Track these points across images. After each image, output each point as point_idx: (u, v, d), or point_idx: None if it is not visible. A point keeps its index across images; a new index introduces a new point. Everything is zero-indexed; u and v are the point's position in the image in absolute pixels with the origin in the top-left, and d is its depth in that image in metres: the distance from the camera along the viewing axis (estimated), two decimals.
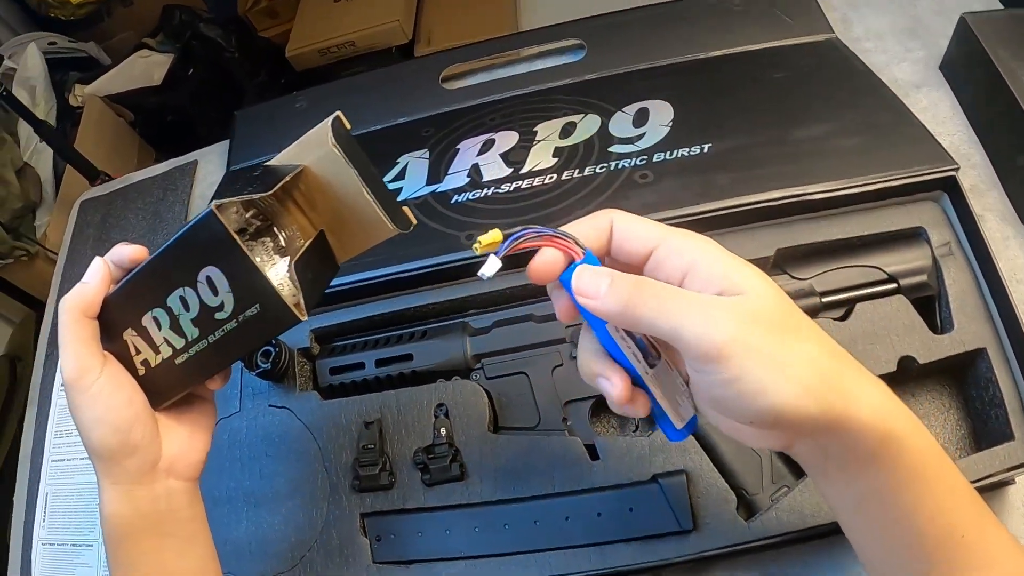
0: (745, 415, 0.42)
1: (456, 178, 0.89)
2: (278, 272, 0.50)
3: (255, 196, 0.48)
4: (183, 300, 0.51)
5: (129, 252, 0.55)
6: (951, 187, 0.76)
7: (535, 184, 0.85)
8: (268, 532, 0.77)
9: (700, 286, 0.42)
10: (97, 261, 0.55)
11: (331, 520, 0.75)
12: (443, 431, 0.74)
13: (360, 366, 0.79)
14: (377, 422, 0.76)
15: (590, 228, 0.47)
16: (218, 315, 0.50)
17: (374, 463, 0.74)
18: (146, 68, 2.40)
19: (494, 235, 0.47)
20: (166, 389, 0.55)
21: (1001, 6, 0.98)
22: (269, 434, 0.80)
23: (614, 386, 0.45)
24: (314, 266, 0.53)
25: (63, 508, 0.93)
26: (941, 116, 0.90)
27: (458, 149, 0.93)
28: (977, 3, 0.97)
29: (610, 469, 0.70)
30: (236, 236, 0.47)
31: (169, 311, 0.52)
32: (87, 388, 0.52)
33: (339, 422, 0.78)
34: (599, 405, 0.76)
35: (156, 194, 1.14)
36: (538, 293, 0.79)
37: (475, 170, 0.89)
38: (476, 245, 0.47)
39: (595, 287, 0.43)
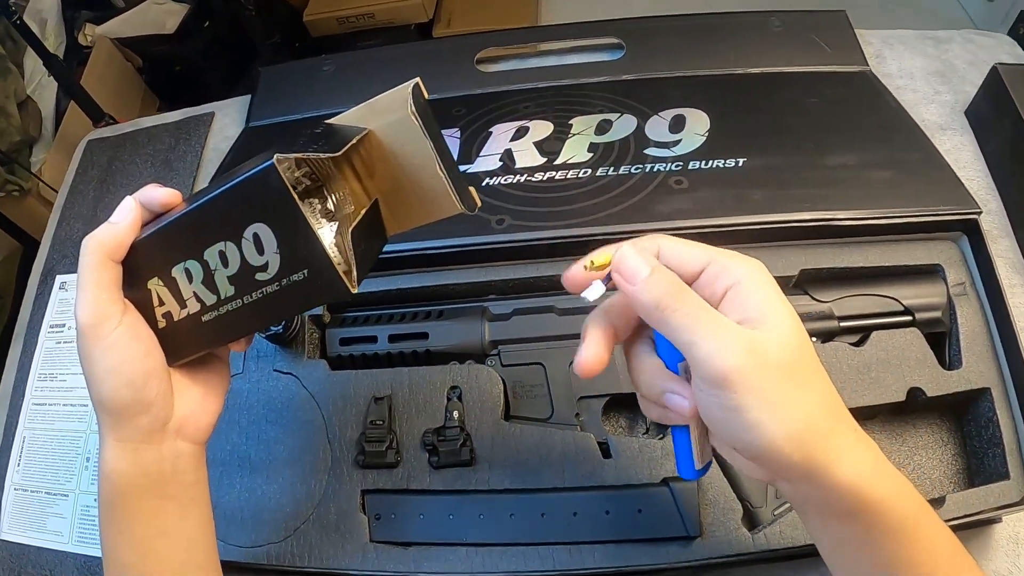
0: (734, 442, 0.43)
1: (488, 161, 0.89)
2: (325, 238, 0.47)
3: (321, 155, 0.46)
4: (222, 255, 0.48)
5: (161, 196, 0.51)
6: (971, 230, 0.78)
7: (569, 176, 0.85)
8: (263, 500, 0.75)
9: (734, 308, 0.43)
10: (128, 201, 0.51)
11: (330, 494, 0.74)
12: (456, 414, 0.73)
13: (372, 339, 0.78)
14: (387, 398, 0.75)
15: (640, 250, 0.46)
16: (259, 275, 0.47)
17: (381, 440, 0.73)
18: (159, 16, 2.35)
19: (605, 257, 0.46)
20: (186, 346, 0.53)
21: None
22: (272, 399, 0.79)
23: (687, 399, 0.45)
24: (365, 236, 0.50)
25: (40, 454, 0.90)
26: (963, 160, 0.91)
27: (491, 132, 0.92)
28: (1007, 58, 1.00)
29: (621, 468, 0.71)
30: (295, 194, 0.44)
31: (205, 265, 0.49)
32: (104, 337, 0.49)
33: (347, 394, 0.77)
34: (611, 404, 0.76)
35: (168, 142, 1.12)
36: (561, 286, 0.78)
37: (508, 155, 0.89)
38: (587, 264, 0.47)
39: (636, 271, 0.44)
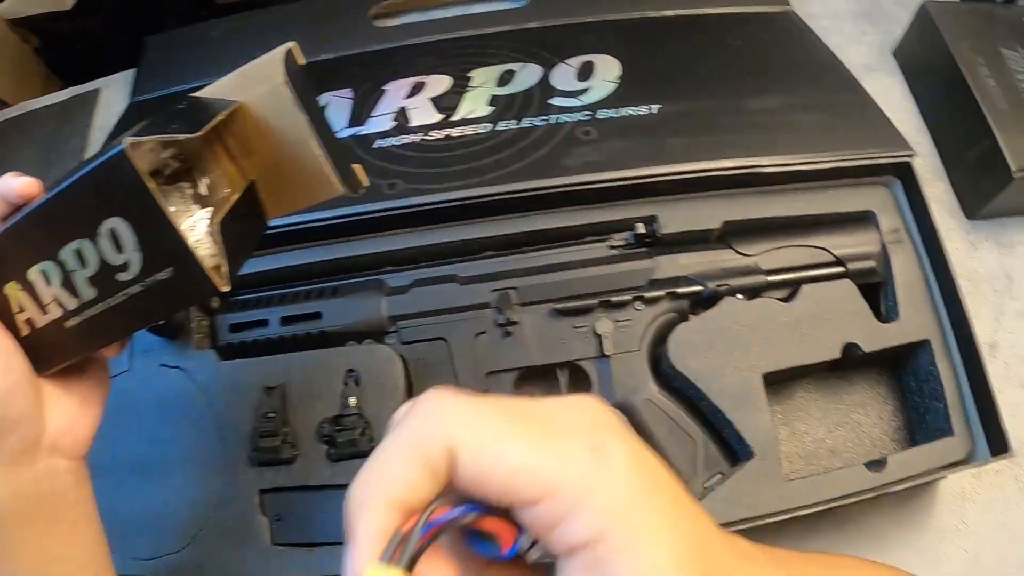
0: None
1: (380, 121, 0.83)
2: (197, 228, 0.42)
3: (177, 137, 0.40)
4: (79, 254, 0.43)
5: (19, 185, 0.44)
6: (904, 173, 0.75)
7: (467, 133, 0.79)
8: (159, 507, 0.69)
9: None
10: None
11: (227, 496, 0.68)
12: (352, 400, 0.68)
13: (263, 323, 0.72)
14: (280, 387, 0.69)
15: (416, 475, 0.29)
16: (121, 276, 0.42)
17: (274, 434, 0.67)
18: None
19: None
20: (53, 354, 0.47)
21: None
22: (161, 397, 0.72)
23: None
24: (241, 224, 0.45)
25: None
26: (892, 102, 0.88)
27: (385, 90, 0.86)
28: None
29: None
30: (151, 184, 0.39)
31: (61, 266, 0.43)
32: None
33: (238, 386, 0.71)
34: (524, 378, 0.71)
35: (53, 125, 1.05)
36: (462, 252, 0.74)
37: (402, 114, 0.83)
38: None
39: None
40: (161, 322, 0.72)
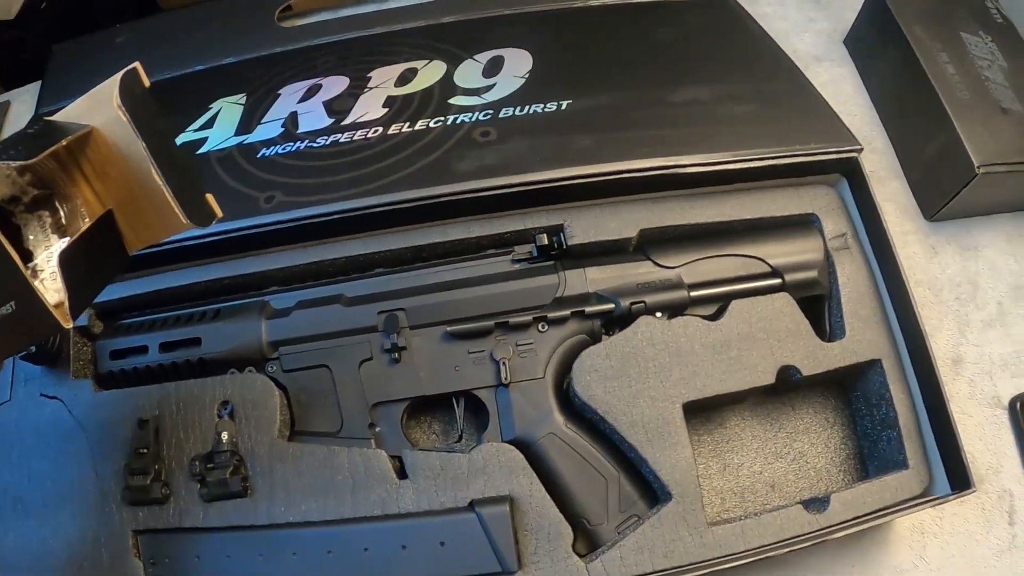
0: None
1: (268, 128, 0.78)
2: (51, 259, 0.42)
3: (12, 164, 0.40)
4: None
5: None
6: (851, 171, 0.71)
7: (356, 137, 0.74)
8: (36, 546, 0.65)
9: None
10: None
11: (101, 536, 0.64)
12: (225, 435, 0.63)
13: (143, 350, 0.68)
14: (152, 420, 0.65)
15: None
16: None
17: (146, 471, 0.63)
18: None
19: None
20: None
21: None
22: (40, 428, 0.68)
23: None
24: (93, 256, 0.44)
25: None
26: (843, 94, 0.85)
27: (279, 95, 0.81)
28: None
29: (420, 491, 0.61)
30: None
31: None
32: None
33: (114, 418, 0.66)
34: (420, 409, 0.67)
35: None
36: (349, 269, 0.69)
37: (291, 120, 0.78)
38: None
39: None
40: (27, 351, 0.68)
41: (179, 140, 0.73)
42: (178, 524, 0.63)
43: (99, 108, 0.43)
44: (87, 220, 0.45)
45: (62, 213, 0.44)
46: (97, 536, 0.64)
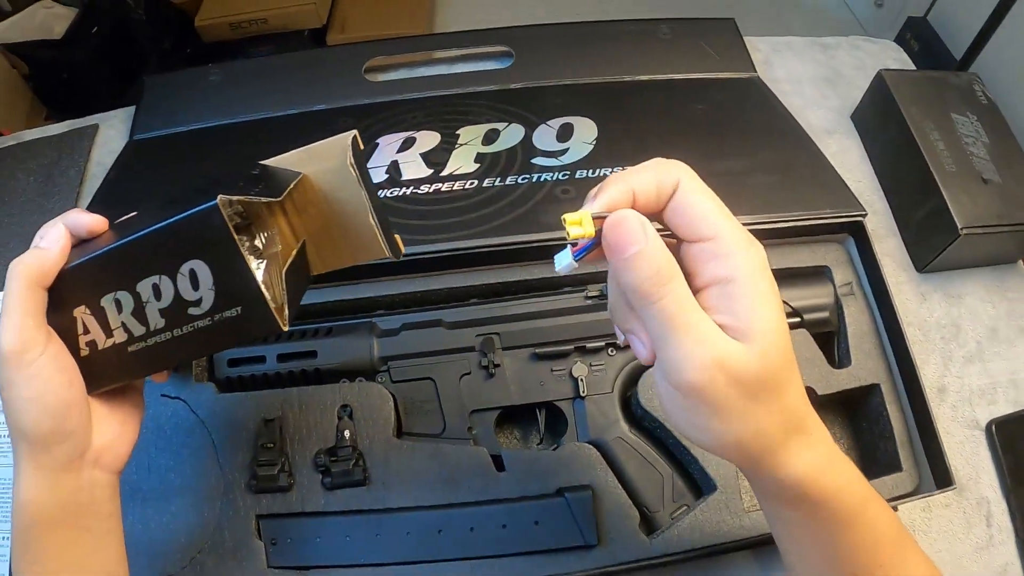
0: (682, 432, 0.46)
1: (374, 173, 0.87)
2: (258, 276, 0.47)
3: (263, 200, 0.46)
4: (156, 288, 0.47)
5: (87, 221, 0.51)
6: (857, 231, 0.80)
7: (455, 188, 0.84)
8: (156, 531, 0.72)
9: (720, 306, 0.41)
10: (60, 227, 0.50)
11: (224, 521, 0.71)
12: (347, 433, 0.72)
13: (261, 360, 0.76)
14: (278, 419, 0.73)
15: (652, 182, 0.42)
16: (192, 310, 0.47)
17: (272, 463, 0.71)
18: (47, 20, 2.22)
19: (583, 217, 0.42)
20: (108, 375, 0.52)
21: (914, 68, 1.04)
22: (160, 426, 0.75)
23: (647, 349, 0.43)
24: (295, 276, 0.51)
25: None
26: (849, 163, 0.94)
27: (377, 144, 0.90)
28: (893, 64, 1.04)
29: (516, 481, 0.70)
30: (236, 236, 0.44)
31: (137, 296, 0.48)
32: (27, 365, 0.48)
33: (236, 417, 0.74)
34: (503, 418, 0.76)
35: (51, 156, 1.06)
36: (449, 298, 0.79)
37: (394, 167, 0.87)
38: (572, 219, 0.42)
39: (625, 244, 0.40)
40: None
41: None
42: (300, 509, 0.70)
43: (316, 161, 0.50)
44: (280, 247, 0.50)
45: (259, 239, 0.49)
46: (220, 520, 0.70)
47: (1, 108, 2.09)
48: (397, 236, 0.54)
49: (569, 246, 0.43)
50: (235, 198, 0.45)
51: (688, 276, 0.41)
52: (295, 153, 0.51)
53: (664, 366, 0.41)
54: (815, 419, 0.44)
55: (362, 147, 0.50)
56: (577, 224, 0.41)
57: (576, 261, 0.43)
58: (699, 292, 0.42)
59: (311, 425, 0.73)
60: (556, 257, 0.44)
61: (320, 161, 0.50)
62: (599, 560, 0.67)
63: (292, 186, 0.49)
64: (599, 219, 0.41)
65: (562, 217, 0.41)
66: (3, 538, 0.79)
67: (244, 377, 0.76)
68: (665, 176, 0.42)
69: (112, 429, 0.53)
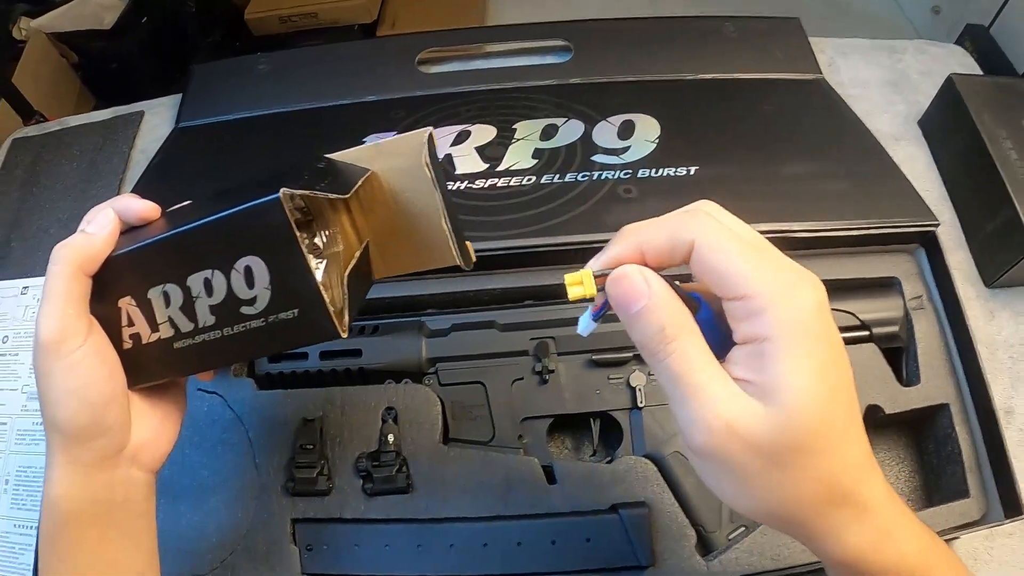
0: (711, 488, 0.41)
1: None
2: (317, 276, 0.44)
3: (328, 195, 0.44)
4: (207, 283, 0.45)
5: (139, 208, 0.49)
6: (929, 242, 0.77)
7: (512, 184, 0.82)
8: (187, 530, 0.70)
9: (749, 363, 0.37)
10: (108, 212, 0.48)
11: (258, 523, 0.69)
12: (390, 437, 0.69)
13: (303, 356, 0.74)
14: (318, 420, 0.71)
15: (663, 239, 0.39)
16: (245, 309, 0.45)
17: (312, 465, 0.69)
18: (97, 10, 2.24)
19: (583, 276, 0.40)
20: (151, 371, 0.50)
21: (982, 73, 0.99)
22: (196, 421, 0.73)
23: None
24: (357, 279, 0.48)
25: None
26: (916, 171, 0.90)
27: None
28: (960, 68, 0.99)
29: (568, 494, 0.67)
30: (297, 233, 0.42)
31: (187, 291, 0.46)
32: (66, 354, 0.46)
33: (275, 416, 0.72)
34: (555, 426, 0.73)
35: (95, 142, 1.06)
36: (503, 299, 0.76)
37: (448, 161, 0.85)
38: (573, 280, 0.40)
39: (629, 300, 0.39)
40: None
41: None
42: (339, 514, 0.68)
43: (387, 158, 0.48)
44: (341, 247, 0.48)
45: (320, 238, 0.48)
46: (254, 522, 0.68)
47: (50, 97, 2.10)
48: (469, 244, 0.51)
49: (589, 308, 0.41)
50: (298, 192, 0.42)
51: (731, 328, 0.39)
52: (364, 148, 0.49)
53: (678, 426, 0.38)
54: (873, 485, 0.39)
55: (436, 146, 0.48)
56: (577, 284, 0.40)
57: (596, 322, 0.42)
58: (736, 347, 0.38)
59: (353, 427, 0.71)
60: (579, 320, 0.42)
61: (391, 158, 0.48)
62: None
63: (359, 183, 0.47)
64: (603, 277, 0.40)
65: (563, 276, 0.40)
66: (30, 527, 0.78)
67: (285, 374, 0.74)
68: (680, 232, 0.39)
69: (152, 426, 0.52)
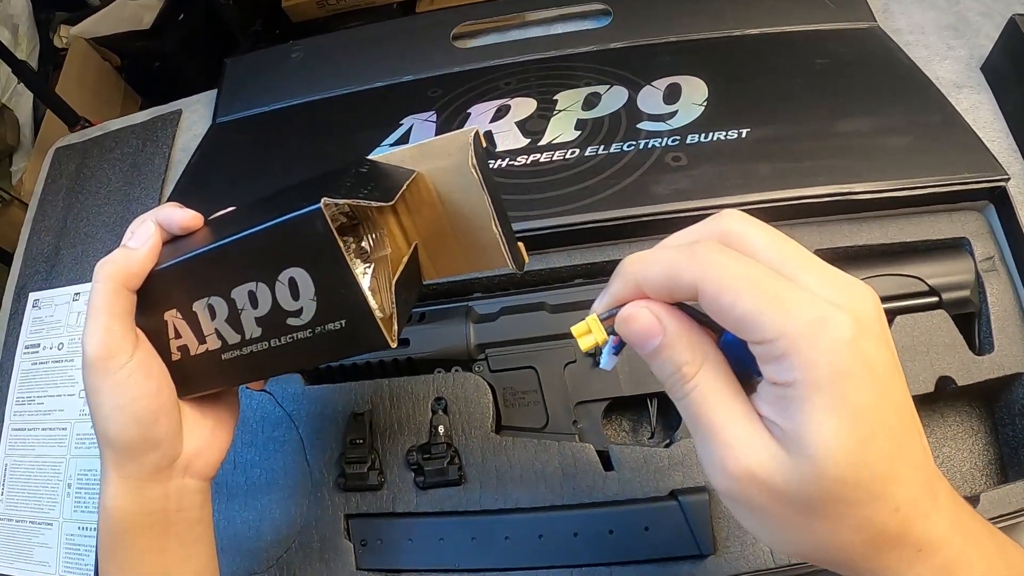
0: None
1: None
2: (363, 284, 0.43)
3: (372, 203, 0.42)
4: (252, 295, 0.45)
5: (181, 217, 0.49)
6: (999, 198, 0.72)
7: (555, 158, 0.79)
8: (241, 528, 0.70)
9: (774, 405, 0.34)
10: (149, 226, 0.48)
11: (312, 520, 0.69)
12: (441, 429, 0.68)
13: None
14: (367, 413, 0.70)
15: (661, 279, 0.36)
16: (291, 320, 0.44)
17: (362, 460, 0.68)
18: (135, 11, 2.27)
19: (589, 324, 0.38)
20: (200, 381, 0.50)
21: None
22: (246, 420, 0.73)
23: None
24: (405, 285, 0.47)
25: (22, 482, 0.86)
26: (981, 121, 0.84)
27: (469, 114, 0.86)
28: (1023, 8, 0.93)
29: (625, 481, 0.65)
30: (341, 243, 0.40)
31: (232, 303, 0.45)
32: (114, 371, 0.46)
33: (325, 411, 0.72)
34: (611, 408, 0.70)
35: (135, 144, 1.06)
36: (552, 280, 0.74)
37: (488, 138, 0.82)
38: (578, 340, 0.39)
39: (645, 338, 0.36)
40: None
41: (375, 153, 0.76)
42: (391, 509, 0.67)
43: (432, 158, 0.46)
44: (389, 250, 0.47)
45: (367, 241, 0.47)
46: (307, 519, 0.69)
47: (96, 100, 2.13)
48: (521, 244, 0.49)
49: (608, 347, 0.39)
50: (340, 201, 0.41)
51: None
52: (408, 149, 0.47)
53: (701, 465, 0.36)
54: (932, 521, 0.34)
55: (484, 145, 0.47)
56: (586, 334, 0.38)
57: (617, 356, 0.39)
58: (764, 382, 0.35)
59: (403, 419, 0.70)
60: (601, 359, 0.40)
61: (437, 159, 0.46)
62: (715, 571, 0.62)
63: (405, 186, 0.45)
64: (611, 318, 0.37)
65: (572, 331, 0.39)
66: (93, 529, 0.80)
67: (332, 367, 0.74)
68: (678, 273, 0.35)
69: (204, 435, 0.52)
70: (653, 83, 0.84)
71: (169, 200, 0.88)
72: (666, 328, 0.35)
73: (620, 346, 0.38)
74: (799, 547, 0.35)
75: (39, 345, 0.93)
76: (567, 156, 0.79)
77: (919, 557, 0.34)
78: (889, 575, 0.34)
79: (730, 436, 0.34)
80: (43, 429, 0.88)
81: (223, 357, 0.47)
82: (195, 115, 1.07)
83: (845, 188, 0.70)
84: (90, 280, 0.48)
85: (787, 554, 0.36)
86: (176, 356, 0.49)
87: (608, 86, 0.85)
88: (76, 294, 0.92)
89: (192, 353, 0.48)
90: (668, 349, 0.35)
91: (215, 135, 0.98)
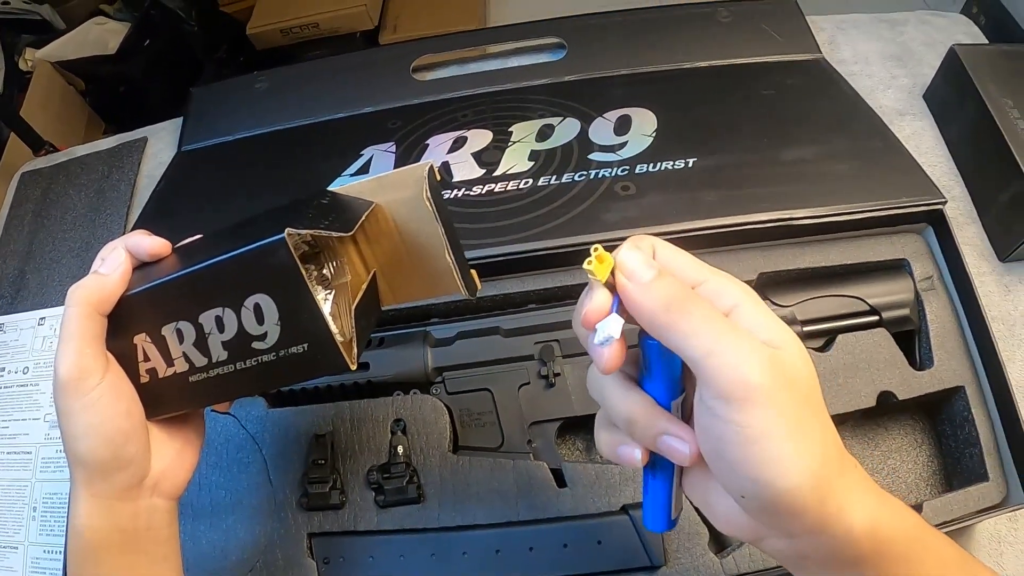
0: (741, 485, 0.36)
1: None
2: (325, 309, 0.45)
3: (333, 233, 0.44)
4: (219, 320, 0.46)
5: (149, 245, 0.50)
6: (937, 220, 0.75)
7: (509, 188, 0.81)
8: (207, 548, 0.71)
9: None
10: (120, 253, 0.50)
11: (275, 539, 0.70)
12: (400, 449, 0.69)
13: None
14: (329, 435, 0.71)
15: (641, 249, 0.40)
16: (256, 344, 0.46)
17: (324, 480, 0.69)
18: (101, 35, 2.28)
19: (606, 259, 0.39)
20: (168, 403, 0.51)
21: (987, 42, 0.98)
22: (211, 442, 0.74)
23: (687, 442, 0.39)
24: (365, 311, 0.50)
25: None
26: (923, 146, 0.89)
27: (427, 144, 0.88)
28: (965, 38, 0.98)
29: (578, 497, 0.67)
30: (304, 270, 0.42)
31: (199, 328, 0.47)
32: (85, 393, 0.47)
33: (288, 433, 0.73)
34: (565, 427, 0.72)
35: (101, 170, 1.07)
36: (506, 305, 0.75)
37: (445, 169, 0.85)
38: (589, 268, 0.39)
39: (643, 271, 0.38)
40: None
41: (336, 183, 0.78)
42: (353, 527, 0.68)
43: (389, 191, 0.49)
44: (349, 277, 0.50)
45: (328, 269, 0.49)
46: (271, 538, 0.69)
47: (60, 124, 2.13)
48: (474, 272, 0.52)
49: (612, 312, 0.39)
50: (303, 231, 0.43)
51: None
52: (367, 181, 0.50)
53: (716, 384, 0.35)
54: (851, 463, 0.39)
55: (439, 178, 0.49)
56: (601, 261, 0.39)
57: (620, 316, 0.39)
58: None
59: (363, 440, 0.71)
60: (602, 327, 0.39)
61: (394, 191, 0.49)
62: None
63: (364, 217, 0.47)
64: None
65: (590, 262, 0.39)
66: (59, 552, 0.80)
67: (295, 390, 0.75)
68: (643, 245, 0.41)
69: (171, 455, 0.53)
70: (604, 115, 0.87)
71: (135, 226, 0.89)
72: (660, 258, 0.40)
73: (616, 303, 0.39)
74: (808, 456, 0.35)
75: (4, 369, 0.93)
76: (521, 186, 0.81)
77: (861, 477, 0.38)
78: (853, 497, 0.37)
79: (749, 335, 0.36)
80: (8, 453, 0.88)
81: (191, 379, 0.48)
82: (160, 143, 1.08)
83: (788, 213, 0.73)
84: (56, 304, 0.50)
85: (801, 473, 0.35)
86: (145, 379, 0.50)
87: (561, 118, 0.87)
88: (41, 318, 0.92)
89: (161, 376, 0.49)
90: (680, 263, 0.40)
91: (180, 163, 0.99)
